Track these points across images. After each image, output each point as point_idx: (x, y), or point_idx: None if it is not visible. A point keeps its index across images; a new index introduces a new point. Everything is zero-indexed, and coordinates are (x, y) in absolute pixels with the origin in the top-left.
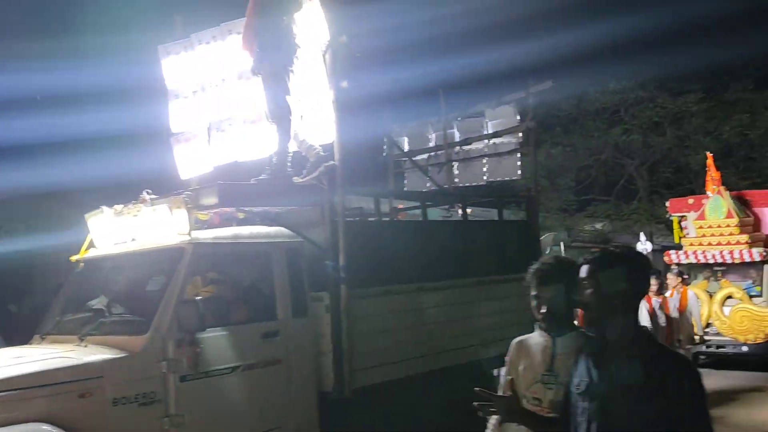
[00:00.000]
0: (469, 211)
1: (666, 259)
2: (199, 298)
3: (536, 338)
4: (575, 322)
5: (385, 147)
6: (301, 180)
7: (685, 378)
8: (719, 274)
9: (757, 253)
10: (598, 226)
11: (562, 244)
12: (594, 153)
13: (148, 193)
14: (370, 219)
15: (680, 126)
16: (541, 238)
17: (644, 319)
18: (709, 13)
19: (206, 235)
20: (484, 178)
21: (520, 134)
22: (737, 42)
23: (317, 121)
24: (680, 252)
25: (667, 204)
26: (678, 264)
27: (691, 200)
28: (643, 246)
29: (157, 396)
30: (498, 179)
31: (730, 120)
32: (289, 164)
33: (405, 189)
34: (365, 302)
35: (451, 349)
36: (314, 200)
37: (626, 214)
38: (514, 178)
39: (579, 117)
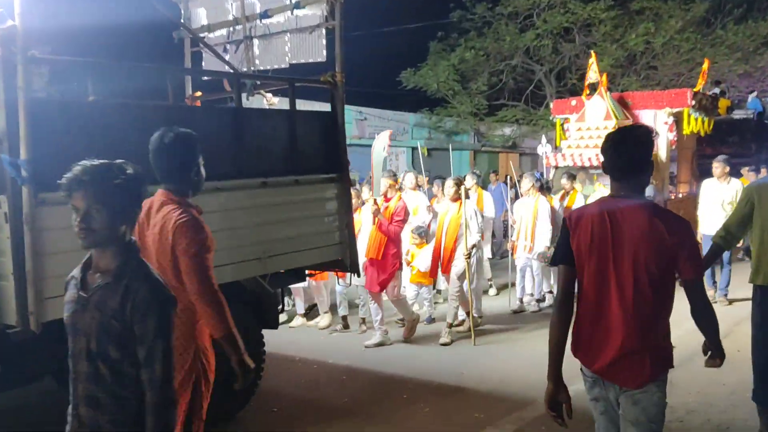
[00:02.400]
0: (274, 100)
1: (545, 162)
2: None
3: None
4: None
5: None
6: None
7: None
8: (595, 177)
9: None
10: (507, 131)
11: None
12: (506, 58)
13: None
14: (76, 101)
15: (588, 33)
16: (378, 135)
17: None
18: None
19: None
20: (287, 59)
21: (325, 5)
22: None
23: None
24: (558, 155)
25: (551, 105)
26: (556, 167)
27: (573, 101)
28: (544, 149)
29: None
30: (302, 61)
31: (635, 28)
32: None
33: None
34: (58, 210)
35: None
36: None
37: (534, 119)
38: (319, 60)
39: (492, 20)
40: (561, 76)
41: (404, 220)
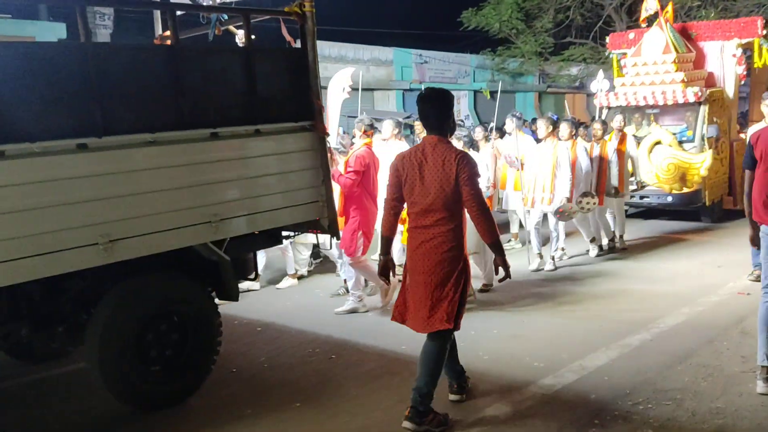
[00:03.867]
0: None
1: (596, 102)
2: None
3: None
4: None
5: None
6: None
7: None
8: (652, 118)
9: (691, 93)
10: (574, 70)
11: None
12: None
13: None
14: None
15: None
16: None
17: (585, 165)
18: None
19: None
20: None
21: None
22: None
23: None
24: (611, 94)
25: (608, 39)
26: (608, 108)
27: (631, 34)
28: (599, 85)
29: None
30: None
31: None
32: None
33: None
34: None
35: (152, 232)
36: None
37: (603, 57)
38: None
39: None
40: (633, 10)
41: (357, 172)
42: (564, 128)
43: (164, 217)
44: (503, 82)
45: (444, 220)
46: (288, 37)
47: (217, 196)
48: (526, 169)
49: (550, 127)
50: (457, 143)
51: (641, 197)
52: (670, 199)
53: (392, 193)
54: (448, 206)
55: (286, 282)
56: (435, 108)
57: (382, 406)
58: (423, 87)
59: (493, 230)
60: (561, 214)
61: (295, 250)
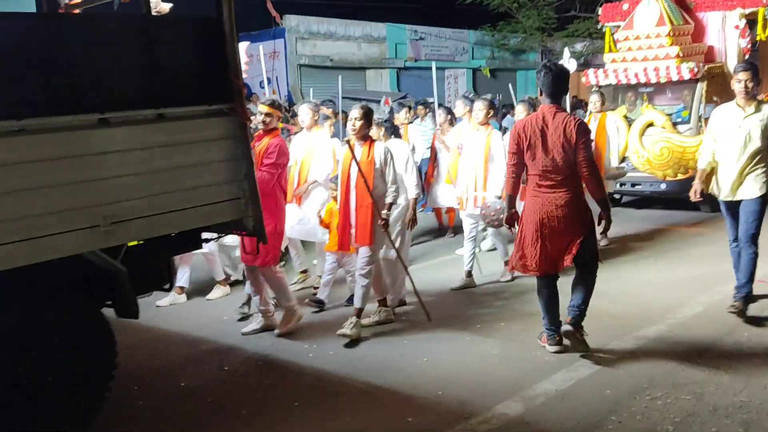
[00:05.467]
0: (164, 6)
1: (584, 79)
2: None
3: None
4: None
5: None
6: None
7: None
8: (645, 97)
9: (686, 70)
10: (579, 47)
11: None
12: None
13: None
14: None
15: None
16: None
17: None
18: None
19: None
20: None
21: None
22: None
23: None
24: (599, 71)
25: (599, 11)
26: (598, 86)
27: (625, 5)
28: (567, 65)
29: None
30: None
31: None
32: None
33: None
34: None
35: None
36: None
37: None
38: None
39: None
40: None
41: (276, 164)
42: (479, 108)
43: (34, 223)
44: (504, 60)
45: (567, 179)
46: (273, 13)
47: (107, 196)
48: (459, 163)
49: (490, 112)
50: (378, 130)
51: (633, 185)
52: (663, 186)
53: (514, 158)
54: (570, 166)
55: (217, 292)
56: (557, 80)
57: None
58: (418, 64)
59: (601, 188)
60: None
61: (222, 254)
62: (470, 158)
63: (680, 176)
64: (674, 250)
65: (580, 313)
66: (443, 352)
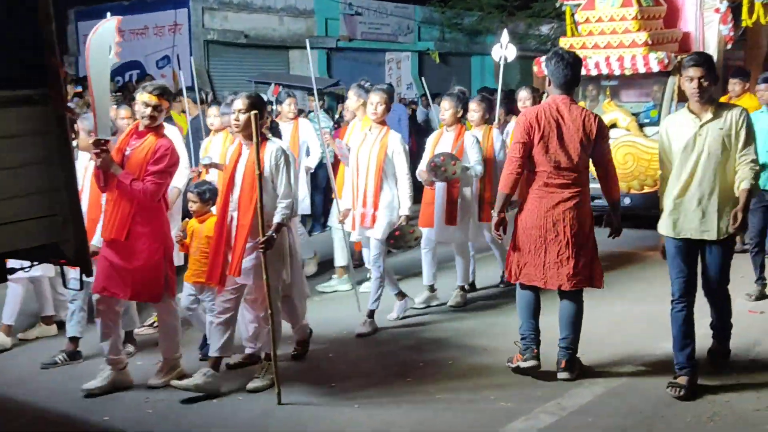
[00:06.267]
0: None
1: (535, 69)
2: None
3: None
4: None
5: None
6: None
7: None
8: (608, 92)
9: (655, 61)
10: (545, 29)
11: None
12: None
13: None
14: None
15: None
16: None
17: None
18: None
19: None
20: None
21: None
22: None
23: None
24: None
25: None
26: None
27: None
28: (503, 52)
29: None
30: None
31: None
32: None
33: None
34: None
35: None
36: None
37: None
38: None
39: None
40: None
41: (166, 172)
42: (444, 108)
43: None
44: (456, 43)
45: (580, 178)
46: None
47: None
48: (346, 170)
49: (459, 112)
50: None
51: (592, 198)
52: (627, 201)
53: (522, 150)
54: (586, 165)
55: (37, 330)
56: (572, 70)
57: None
58: (353, 45)
59: (618, 188)
60: (396, 238)
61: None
62: (359, 166)
63: (647, 189)
64: (641, 281)
65: (572, 353)
66: None
